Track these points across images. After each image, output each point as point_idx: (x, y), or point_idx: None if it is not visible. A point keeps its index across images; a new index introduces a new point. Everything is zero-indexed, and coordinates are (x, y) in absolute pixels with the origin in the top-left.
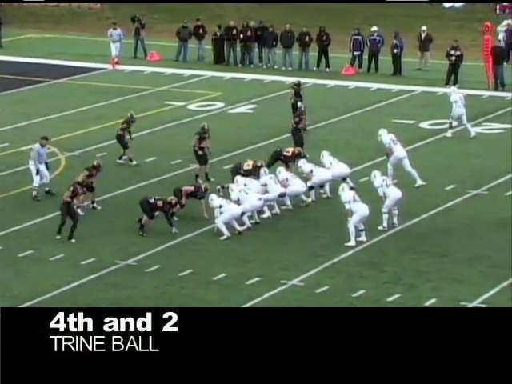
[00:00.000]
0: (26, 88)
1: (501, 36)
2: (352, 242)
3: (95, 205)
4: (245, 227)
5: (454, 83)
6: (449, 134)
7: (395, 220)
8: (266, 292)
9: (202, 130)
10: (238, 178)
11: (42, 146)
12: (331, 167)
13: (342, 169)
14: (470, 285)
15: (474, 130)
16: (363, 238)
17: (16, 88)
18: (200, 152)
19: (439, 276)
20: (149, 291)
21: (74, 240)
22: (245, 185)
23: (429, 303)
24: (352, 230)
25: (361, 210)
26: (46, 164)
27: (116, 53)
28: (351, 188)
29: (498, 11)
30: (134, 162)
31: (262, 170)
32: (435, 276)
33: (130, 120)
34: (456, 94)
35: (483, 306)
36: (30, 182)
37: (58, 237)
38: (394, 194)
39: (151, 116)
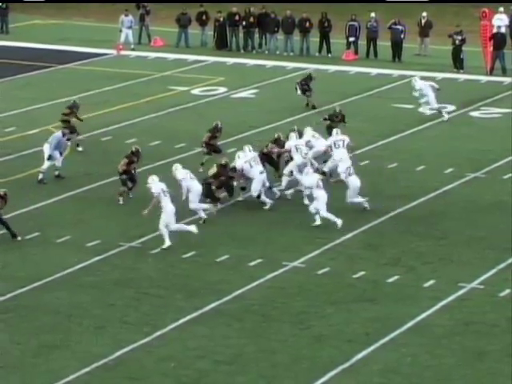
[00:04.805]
0: (32, 73)
1: (499, 22)
2: (338, 221)
3: (131, 194)
4: (267, 206)
5: (461, 68)
6: (445, 117)
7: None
8: (267, 273)
9: (215, 128)
10: (246, 148)
11: (63, 134)
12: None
13: (321, 146)
14: (468, 266)
15: (428, 111)
16: (318, 222)
17: (22, 73)
18: (208, 144)
19: (438, 258)
20: (152, 272)
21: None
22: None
23: (427, 284)
24: (330, 215)
25: (323, 196)
26: (60, 153)
27: (130, 39)
28: (323, 173)
29: None
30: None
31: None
32: (434, 258)
33: (74, 106)
34: (419, 82)
35: (481, 287)
36: (36, 165)
37: None
38: (353, 182)
39: (155, 101)
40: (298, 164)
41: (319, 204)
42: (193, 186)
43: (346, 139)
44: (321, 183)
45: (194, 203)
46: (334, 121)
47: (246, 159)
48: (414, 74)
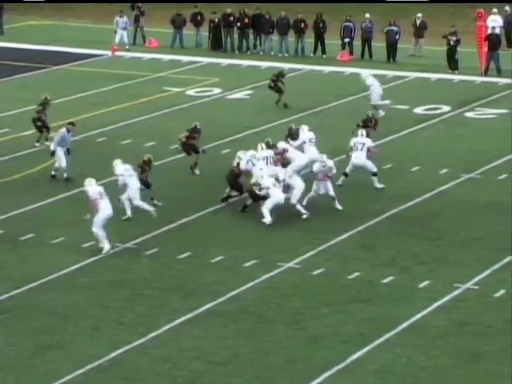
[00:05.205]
0: (27, 74)
1: (494, 23)
2: (268, 219)
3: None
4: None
5: (456, 69)
6: (381, 113)
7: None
8: (262, 274)
9: (194, 129)
10: (259, 146)
11: (68, 131)
12: (306, 146)
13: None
14: (463, 267)
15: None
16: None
17: (17, 74)
18: (186, 143)
19: (433, 258)
20: (147, 273)
21: None
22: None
23: (423, 285)
24: (266, 212)
25: (277, 196)
26: (68, 150)
27: (125, 40)
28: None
29: None
30: (38, 144)
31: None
32: (429, 258)
33: (45, 103)
34: (370, 78)
35: (476, 287)
36: (32, 166)
37: None
38: (299, 185)
39: (150, 101)
40: (308, 161)
41: (269, 200)
42: (131, 183)
43: (368, 142)
44: (277, 183)
45: (136, 199)
46: (368, 126)
47: (248, 158)
48: (409, 75)
